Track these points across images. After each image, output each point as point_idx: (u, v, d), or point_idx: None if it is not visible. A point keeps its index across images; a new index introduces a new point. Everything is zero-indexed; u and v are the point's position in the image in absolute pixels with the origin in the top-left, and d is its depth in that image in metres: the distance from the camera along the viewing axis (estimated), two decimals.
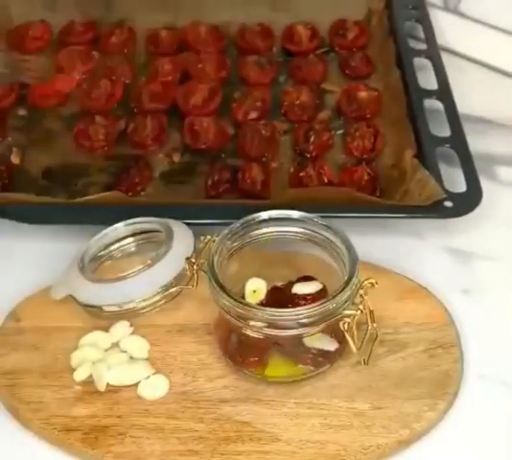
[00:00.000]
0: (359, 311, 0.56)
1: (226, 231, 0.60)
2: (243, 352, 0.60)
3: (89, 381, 0.61)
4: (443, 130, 0.79)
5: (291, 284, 0.61)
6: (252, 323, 0.56)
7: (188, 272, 0.62)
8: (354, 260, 0.58)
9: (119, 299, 0.63)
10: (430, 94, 0.84)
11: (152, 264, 0.63)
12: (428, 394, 0.60)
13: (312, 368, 0.60)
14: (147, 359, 0.63)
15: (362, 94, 0.88)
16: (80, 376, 0.62)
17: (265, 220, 0.61)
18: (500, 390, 0.62)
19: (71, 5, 0.98)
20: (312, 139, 0.83)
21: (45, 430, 0.59)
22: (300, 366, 0.60)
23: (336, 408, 0.59)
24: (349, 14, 0.98)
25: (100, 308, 0.64)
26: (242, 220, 0.61)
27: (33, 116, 0.88)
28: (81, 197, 0.72)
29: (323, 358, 0.60)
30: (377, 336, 0.58)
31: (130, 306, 0.63)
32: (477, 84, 0.92)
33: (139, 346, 0.63)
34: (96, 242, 0.68)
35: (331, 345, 0.60)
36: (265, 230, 0.61)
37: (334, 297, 0.55)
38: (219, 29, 0.97)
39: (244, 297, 0.62)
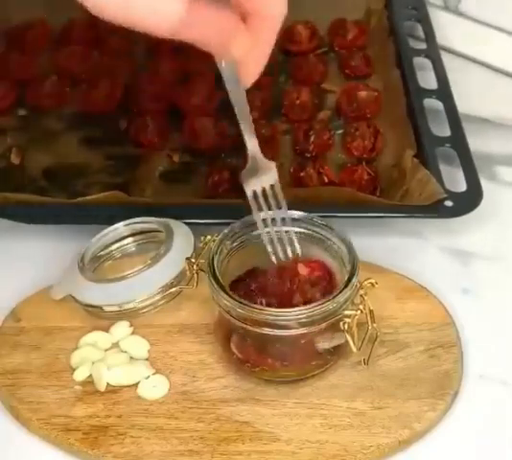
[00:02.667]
0: (359, 311, 0.56)
1: (226, 231, 0.60)
2: (243, 352, 0.60)
3: (89, 381, 0.61)
4: (443, 130, 0.79)
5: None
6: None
7: (188, 272, 0.62)
8: (354, 260, 0.58)
9: (119, 299, 0.63)
10: (429, 94, 0.84)
11: (152, 264, 0.63)
12: (428, 394, 0.60)
13: (314, 364, 0.60)
14: (147, 360, 0.63)
15: (362, 94, 0.88)
16: (79, 376, 0.61)
17: (265, 220, 0.61)
18: (501, 390, 0.62)
19: (71, 4, 0.98)
20: (312, 139, 0.83)
21: (45, 430, 0.59)
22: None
23: (336, 408, 0.59)
24: (349, 14, 0.98)
25: (100, 308, 0.64)
26: (242, 220, 0.61)
27: (33, 116, 0.88)
28: (81, 197, 0.72)
29: (325, 357, 0.60)
30: (377, 337, 0.58)
31: (130, 306, 0.63)
32: (476, 84, 0.92)
33: (139, 346, 0.63)
34: (96, 242, 0.68)
35: (341, 338, 0.60)
36: (265, 230, 0.61)
37: (334, 297, 0.55)
38: None
39: None
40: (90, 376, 0.61)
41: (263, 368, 0.60)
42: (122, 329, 0.64)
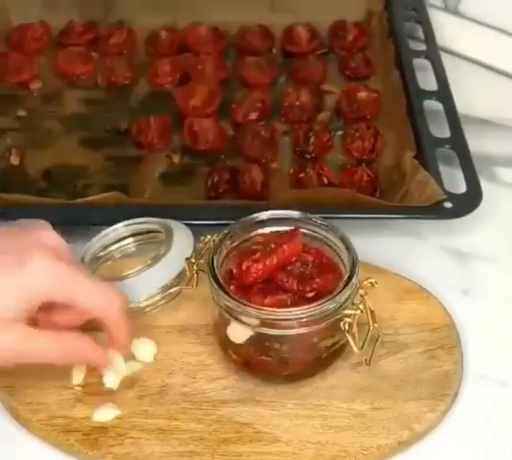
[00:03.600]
0: (359, 311, 0.56)
1: (226, 231, 0.60)
2: (243, 352, 0.60)
3: (89, 382, 0.61)
4: (443, 131, 0.79)
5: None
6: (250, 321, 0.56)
7: (188, 272, 0.62)
8: (354, 260, 0.58)
9: None
10: (429, 95, 0.84)
11: (152, 265, 0.63)
12: (428, 395, 0.60)
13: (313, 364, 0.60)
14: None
15: (362, 95, 0.88)
16: (78, 378, 0.61)
17: (264, 221, 0.61)
18: (501, 391, 0.62)
19: (70, 5, 0.98)
20: (311, 140, 0.83)
21: (45, 431, 0.59)
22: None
23: (335, 409, 0.59)
24: (349, 15, 0.98)
25: None
26: (241, 220, 0.61)
27: (32, 117, 0.88)
28: (81, 198, 0.72)
29: (325, 358, 0.60)
30: (379, 336, 0.57)
31: (130, 306, 0.63)
32: (476, 85, 0.92)
33: (147, 349, 0.63)
34: (96, 243, 0.68)
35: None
36: (264, 230, 0.61)
37: (334, 297, 0.55)
38: (218, 30, 0.97)
39: None
40: (89, 377, 0.61)
41: (262, 368, 0.60)
42: None
